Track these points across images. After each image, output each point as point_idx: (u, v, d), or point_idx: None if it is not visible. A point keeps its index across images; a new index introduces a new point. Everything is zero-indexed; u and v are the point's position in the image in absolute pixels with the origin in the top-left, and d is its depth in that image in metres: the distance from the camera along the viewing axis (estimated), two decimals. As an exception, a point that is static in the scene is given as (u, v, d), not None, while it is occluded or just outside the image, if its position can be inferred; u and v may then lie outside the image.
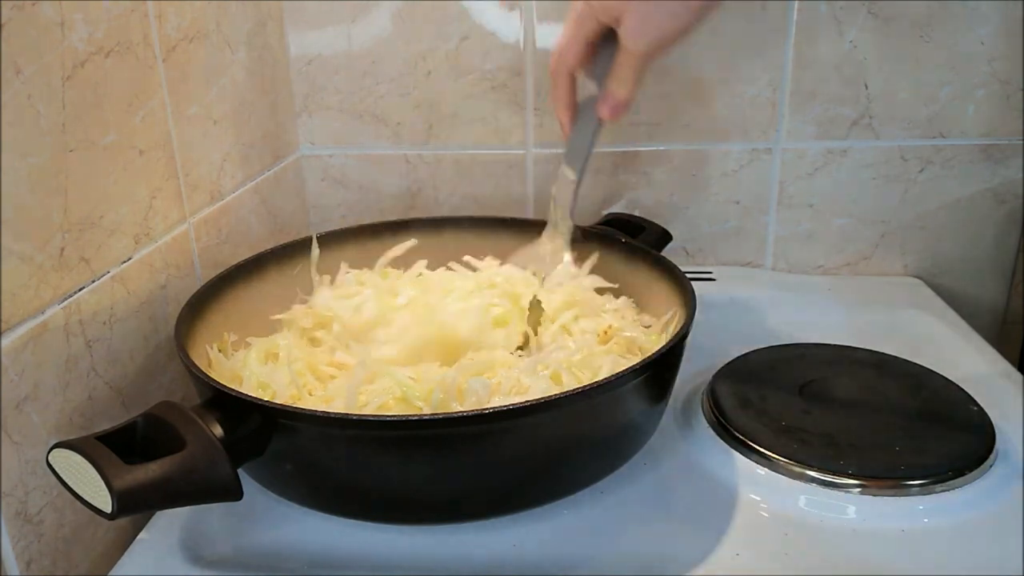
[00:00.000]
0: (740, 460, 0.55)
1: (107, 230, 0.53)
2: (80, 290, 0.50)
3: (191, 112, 0.63)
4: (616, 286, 0.65)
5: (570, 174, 0.61)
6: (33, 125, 0.46)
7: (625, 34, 0.54)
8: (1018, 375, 0.66)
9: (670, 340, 0.51)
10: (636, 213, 0.83)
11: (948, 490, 0.51)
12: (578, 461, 0.50)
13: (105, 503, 0.38)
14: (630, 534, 0.50)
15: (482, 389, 0.50)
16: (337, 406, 0.51)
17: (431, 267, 0.70)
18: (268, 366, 0.56)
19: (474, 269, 0.68)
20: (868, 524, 0.50)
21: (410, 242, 0.69)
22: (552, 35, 0.81)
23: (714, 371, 0.63)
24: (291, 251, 0.67)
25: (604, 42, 0.56)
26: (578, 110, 0.60)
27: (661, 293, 0.62)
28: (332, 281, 0.68)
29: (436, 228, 0.72)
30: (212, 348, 0.58)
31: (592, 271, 0.67)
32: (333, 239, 0.69)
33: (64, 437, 0.43)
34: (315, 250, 0.67)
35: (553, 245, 0.65)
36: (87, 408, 0.51)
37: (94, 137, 0.51)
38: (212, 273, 0.62)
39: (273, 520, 0.52)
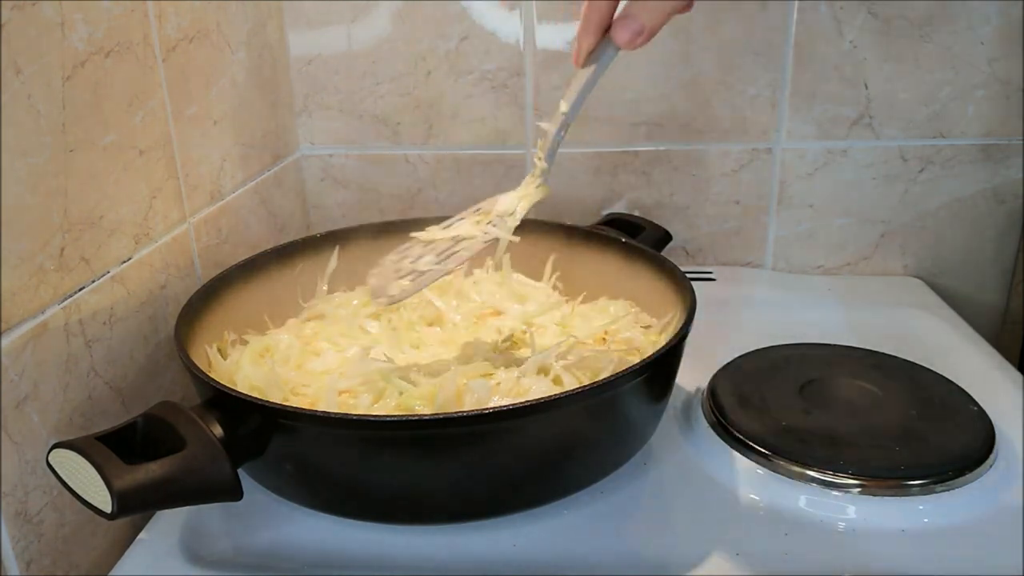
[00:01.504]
0: (740, 460, 0.55)
1: (107, 230, 0.53)
2: (80, 290, 0.50)
3: (191, 112, 0.63)
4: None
5: (563, 107, 0.53)
6: (33, 125, 0.46)
7: None
8: (1018, 375, 0.66)
9: (670, 340, 0.51)
10: (636, 213, 0.83)
11: (948, 490, 0.51)
12: (578, 461, 0.50)
13: (105, 503, 0.39)
14: (630, 534, 0.50)
15: (482, 390, 0.50)
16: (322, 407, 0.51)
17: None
18: (261, 367, 0.56)
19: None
20: (868, 524, 0.50)
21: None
22: (552, 35, 0.81)
23: (714, 371, 0.63)
24: (291, 251, 0.67)
25: None
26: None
27: (661, 293, 0.62)
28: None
29: (436, 228, 0.72)
30: (212, 348, 0.58)
31: (590, 271, 0.67)
32: (333, 239, 0.69)
33: (64, 437, 0.43)
34: (333, 262, 0.68)
35: (516, 196, 0.57)
36: (87, 408, 0.51)
37: (94, 137, 0.51)
38: (212, 273, 0.62)
39: (273, 520, 0.52)
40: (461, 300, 0.67)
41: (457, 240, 0.56)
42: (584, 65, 0.51)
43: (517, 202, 0.55)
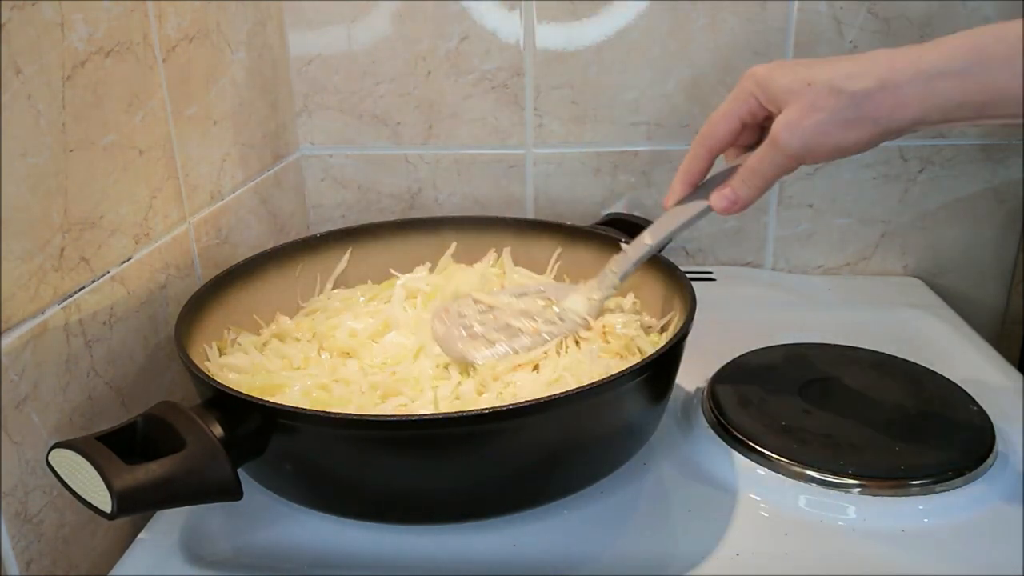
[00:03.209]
0: (740, 460, 0.55)
1: (107, 230, 0.53)
2: (80, 290, 0.50)
3: (191, 112, 0.63)
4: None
5: (648, 239, 0.57)
6: (33, 125, 0.46)
7: (779, 124, 0.45)
8: (1018, 375, 0.66)
9: (670, 340, 0.51)
10: (636, 213, 0.83)
11: (948, 490, 0.51)
12: (578, 461, 0.50)
13: (105, 503, 0.39)
14: (630, 534, 0.50)
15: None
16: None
17: (430, 267, 0.71)
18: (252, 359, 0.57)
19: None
20: (868, 524, 0.50)
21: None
22: (552, 35, 0.81)
23: (714, 371, 0.63)
24: (291, 251, 0.67)
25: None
26: (698, 187, 0.54)
27: (661, 293, 0.62)
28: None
29: (436, 228, 0.72)
30: (212, 348, 0.58)
31: (591, 271, 0.67)
32: (333, 239, 0.69)
33: (64, 437, 0.43)
34: (343, 263, 0.69)
35: (585, 297, 0.60)
36: (87, 408, 0.51)
37: (94, 137, 0.51)
38: (212, 273, 0.62)
39: (273, 520, 0.52)
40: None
41: (526, 314, 0.59)
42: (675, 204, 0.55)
43: (587, 306, 0.59)
